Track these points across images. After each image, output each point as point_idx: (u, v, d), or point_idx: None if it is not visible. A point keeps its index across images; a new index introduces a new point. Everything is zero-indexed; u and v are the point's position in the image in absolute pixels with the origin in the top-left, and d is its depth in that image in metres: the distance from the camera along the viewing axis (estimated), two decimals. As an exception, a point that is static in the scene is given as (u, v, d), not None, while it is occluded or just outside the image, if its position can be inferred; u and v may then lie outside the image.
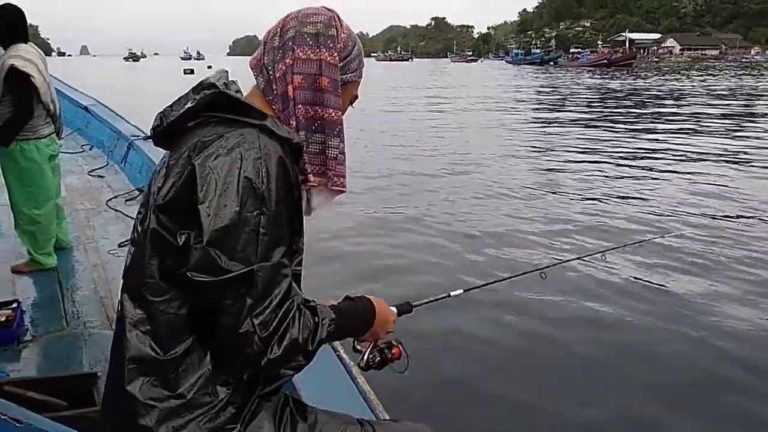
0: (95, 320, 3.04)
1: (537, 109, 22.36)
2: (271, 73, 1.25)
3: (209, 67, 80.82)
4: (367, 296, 1.37)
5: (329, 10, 1.30)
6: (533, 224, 6.56)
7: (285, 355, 1.10)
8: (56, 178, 3.82)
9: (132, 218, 4.22)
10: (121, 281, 1.22)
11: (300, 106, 1.23)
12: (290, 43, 1.24)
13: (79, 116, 6.79)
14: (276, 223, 1.10)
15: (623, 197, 7.95)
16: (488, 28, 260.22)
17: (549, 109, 21.76)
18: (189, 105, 1.19)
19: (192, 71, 61.29)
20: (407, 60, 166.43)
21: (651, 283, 4.93)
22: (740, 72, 55.52)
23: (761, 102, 24.08)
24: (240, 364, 1.12)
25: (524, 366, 3.73)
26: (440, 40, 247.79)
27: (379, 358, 1.43)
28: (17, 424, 1.79)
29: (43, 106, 3.46)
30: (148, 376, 1.11)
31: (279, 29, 1.27)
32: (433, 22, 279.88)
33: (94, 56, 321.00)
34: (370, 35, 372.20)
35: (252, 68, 1.30)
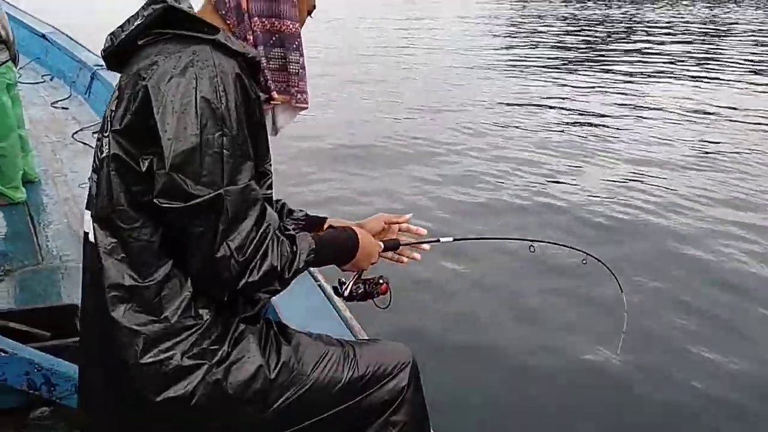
0: (71, 254, 3.03)
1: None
2: None
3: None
4: (353, 227, 1.37)
5: None
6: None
7: (262, 280, 1.10)
8: (17, 108, 3.70)
9: (101, 151, 4.23)
10: (86, 210, 1.21)
11: (256, 18, 1.18)
12: None
13: (37, 44, 6.46)
14: (239, 144, 1.07)
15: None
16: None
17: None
18: (138, 22, 1.13)
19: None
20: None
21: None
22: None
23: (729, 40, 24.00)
24: (218, 288, 1.12)
25: (500, 318, 3.77)
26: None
27: (362, 290, 1.44)
28: (3, 354, 1.83)
29: None
30: (130, 302, 1.11)
31: None
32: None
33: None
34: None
35: None
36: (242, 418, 1.19)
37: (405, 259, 1.54)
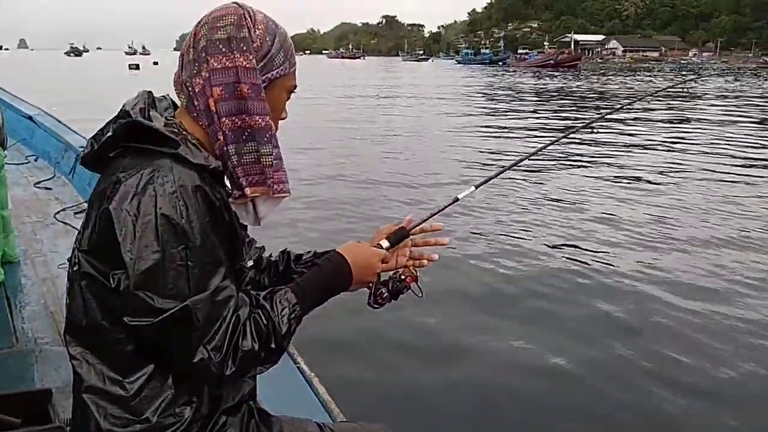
0: (46, 336, 3.07)
1: (483, 106, 22.86)
2: (190, 89, 1.20)
3: (155, 63, 78.70)
4: (339, 249, 1.33)
5: (238, 5, 1.22)
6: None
7: (242, 366, 1.12)
8: (2, 190, 3.81)
9: (81, 231, 4.31)
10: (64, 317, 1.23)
11: (224, 118, 1.18)
12: (203, 54, 1.18)
13: (23, 126, 6.66)
14: (205, 253, 1.10)
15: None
16: (439, 27, 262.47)
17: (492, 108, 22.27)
18: (108, 135, 1.16)
19: (137, 66, 59.58)
20: (359, 58, 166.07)
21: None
22: (677, 73, 57.86)
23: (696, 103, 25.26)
24: (206, 384, 1.18)
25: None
26: (391, 39, 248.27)
27: (386, 293, 1.40)
28: (-28, 443, 1.89)
29: None
30: (111, 404, 1.13)
31: (192, 40, 1.21)
32: (384, 21, 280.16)
33: (32, 50, 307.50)
34: (321, 32, 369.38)
35: (174, 85, 1.25)
36: None
37: (425, 262, 1.48)
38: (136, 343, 1.13)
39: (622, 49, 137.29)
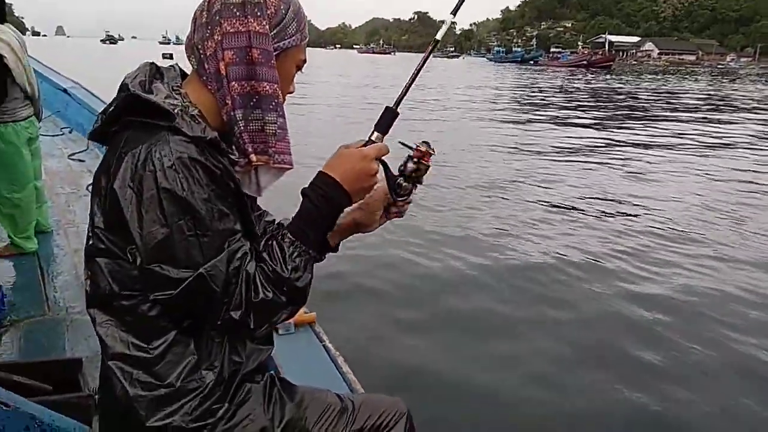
0: (77, 305, 3.01)
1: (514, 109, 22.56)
2: (201, 51, 1.18)
3: (188, 52, 79.72)
4: (322, 169, 1.22)
5: None
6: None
7: (263, 317, 1.13)
8: (36, 161, 3.77)
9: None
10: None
11: (234, 82, 1.16)
12: (217, 17, 1.16)
13: (58, 98, 6.67)
14: (212, 221, 1.09)
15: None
16: (471, 25, 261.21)
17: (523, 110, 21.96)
18: (111, 110, 1.16)
19: (171, 56, 60.24)
20: (390, 53, 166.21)
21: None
22: (716, 77, 56.67)
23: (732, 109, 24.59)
24: (237, 336, 1.20)
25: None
26: (423, 35, 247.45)
27: (405, 183, 1.25)
28: (5, 408, 1.79)
29: (20, 88, 3.40)
30: (136, 369, 1.14)
31: (206, 3, 1.19)
32: (415, 16, 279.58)
33: (69, 37, 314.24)
34: (353, 26, 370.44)
35: (186, 49, 1.23)
36: None
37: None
38: (159, 310, 1.13)
39: (658, 51, 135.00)
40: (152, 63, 1.23)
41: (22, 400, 1.86)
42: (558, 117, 18.39)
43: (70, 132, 6.25)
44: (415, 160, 1.23)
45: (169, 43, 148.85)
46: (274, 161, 1.22)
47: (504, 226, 6.53)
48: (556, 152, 11.77)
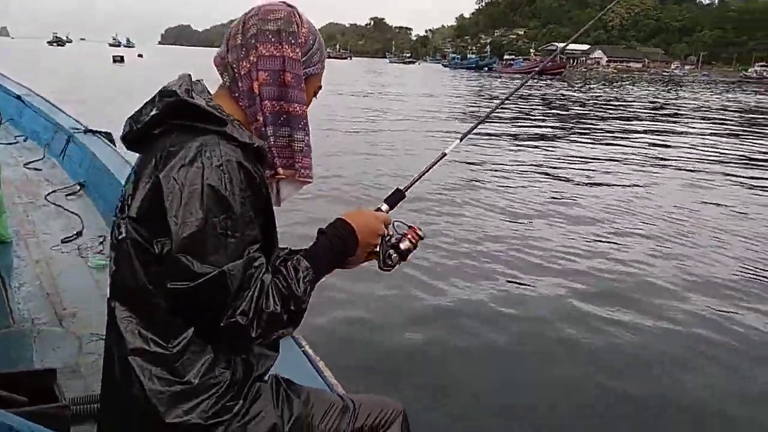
0: (43, 317, 2.98)
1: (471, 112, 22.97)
2: (235, 70, 1.28)
3: (140, 55, 77.98)
4: (341, 216, 1.38)
5: (289, 5, 1.34)
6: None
7: (268, 327, 1.18)
8: (-8, 170, 3.72)
9: (73, 213, 4.21)
10: (108, 282, 1.28)
11: (266, 101, 1.27)
12: (253, 41, 1.27)
13: (11, 105, 6.49)
14: (243, 224, 1.16)
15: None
16: (426, 31, 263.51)
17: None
18: (153, 113, 1.23)
19: (122, 59, 58.87)
20: (346, 58, 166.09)
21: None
22: (661, 85, 58.81)
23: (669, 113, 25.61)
24: (237, 345, 1.24)
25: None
26: (379, 41, 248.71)
27: (396, 255, 1.42)
28: (-17, 419, 1.80)
29: None
30: (156, 366, 1.19)
31: (241, 27, 1.30)
32: (372, 22, 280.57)
33: (13, 38, 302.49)
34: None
35: (216, 66, 1.34)
36: None
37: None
38: (175, 307, 1.18)
39: (607, 59, 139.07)
40: (189, 74, 1.30)
41: (1, 411, 1.87)
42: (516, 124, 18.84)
43: (24, 140, 6.10)
44: (413, 240, 1.42)
45: (119, 46, 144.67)
46: (300, 175, 1.35)
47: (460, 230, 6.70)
48: (513, 163, 12.07)
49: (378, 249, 1.41)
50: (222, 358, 1.23)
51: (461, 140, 1.71)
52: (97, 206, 4.39)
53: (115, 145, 5.22)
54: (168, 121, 1.22)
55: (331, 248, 1.33)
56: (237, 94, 1.29)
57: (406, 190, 1.53)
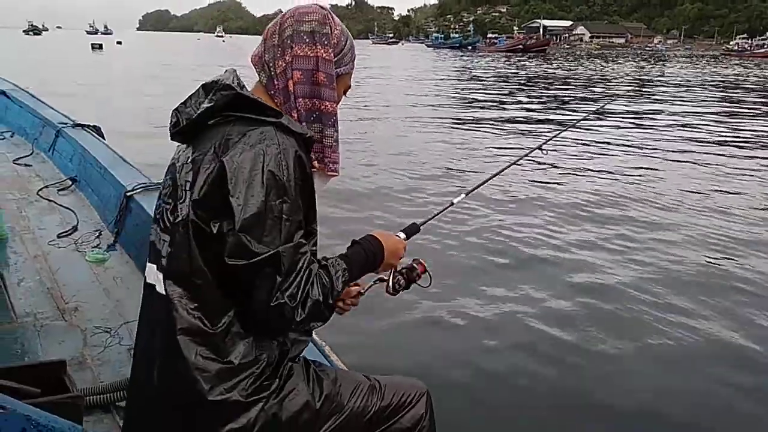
0: (45, 311, 3.04)
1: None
2: (272, 69, 1.38)
3: (119, 42, 76.67)
4: (372, 233, 1.53)
5: (322, 8, 1.43)
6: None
7: (310, 315, 1.26)
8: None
9: (67, 208, 4.28)
10: (150, 264, 1.37)
11: (300, 99, 1.37)
12: (288, 41, 1.37)
13: (-5, 101, 6.48)
14: (296, 210, 1.25)
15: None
16: (408, 11, 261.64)
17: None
18: (207, 105, 1.31)
19: (100, 46, 57.94)
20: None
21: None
22: (643, 60, 58.72)
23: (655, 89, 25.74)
24: (277, 328, 1.32)
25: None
26: (361, 21, 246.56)
27: (403, 281, 1.59)
28: (2, 411, 1.88)
29: None
30: (202, 346, 1.27)
31: (277, 28, 1.40)
32: (353, 2, 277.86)
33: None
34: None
35: (254, 65, 1.44)
36: None
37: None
38: (226, 285, 1.26)
39: (590, 35, 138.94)
40: (234, 70, 1.38)
41: (18, 402, 1.93)
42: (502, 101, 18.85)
43: (11, 136, 6.08)
44: (420, 273, 1.61)
45: (97, 33, 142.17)
46: (329, 169, 1.46)
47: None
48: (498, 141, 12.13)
49: (389, 274, 1.57)
50: (260, 340, 1.31)
51: (467, 195, 1.92)
52: (91, 200, 4.42)
53: (104, 139, 5.24)
54: (221, 113, 1.30)
55: (366, 258, 1.46)
56: (272, 92, 1.39)
57: (422, 225, 1.70)
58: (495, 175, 2.12)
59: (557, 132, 2.42)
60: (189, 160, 1.32)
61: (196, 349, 1.27)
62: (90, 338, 2.74)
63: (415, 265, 1.61)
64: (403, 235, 1.63)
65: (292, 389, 1.36)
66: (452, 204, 1.84)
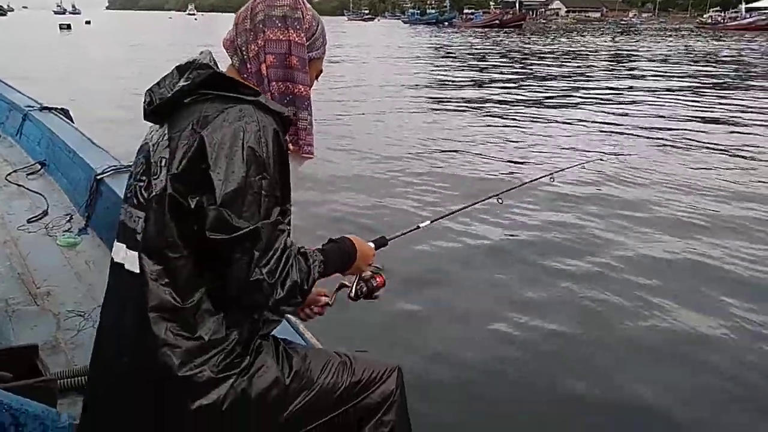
0: (17, 296, 3.01)
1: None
2: (244, 53, 1.40)
3: (87, 22, 74.74)
4: (348, 236, 1.57)
5: None
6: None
7: (287, 295, 1.27)
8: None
9: (36, 193, 4.22)
10: (118, 243, 1.37)
11: (273, 82, 1.40)
12: (261, 26, 1.39)
13: (-41, 86, 6.32)
14: (274, 187, 1.26)
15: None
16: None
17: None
18: (183, 83, 1.31)
19: (69, 26, 56.57)
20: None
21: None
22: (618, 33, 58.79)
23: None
24: (253, 305, 1.32)
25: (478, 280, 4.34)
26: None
27: (366, 289, 1.65)
28: (-29, 395, 1.88)
29: None
30: (172, 322, 1.27)
31: (249, 13, 1.41)
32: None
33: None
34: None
35: (226, 49, 1.45)
36: (263, 422, 1.38)
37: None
38: (198, 260, 1.28)
39: (566, 9, 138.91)
40: (209, 51, 1.38)
41: (-8, 386, 1.95)
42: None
43: (-23, 120, 5.96)
44: (380, 288, 1.68)
45: (64, 13, 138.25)
46: (303, 151, 1.49)
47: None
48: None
49: (353, 281, 1.63)
50: (231, 317, 1.32)
51: (432, 222, 2.03)
52: (61, 184, 4.37)
53: (73, 122, 5.16)
54: (198, 92, 1.31)
55: (341, 257, 1.50)
56: (246, 75, 1.41)
57: (390, 240, 1.75)
58: (463, 208, 2.27)
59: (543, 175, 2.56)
60: (164, 137, 1.32)
61: (166, 325, 1.27)
62: (63, 322, 2.73)
63: (376, 276, 1.67)
64: (372, 245, 1.66)
65: (261, 366, 1.37)
66: (418, 227, 1.93)
